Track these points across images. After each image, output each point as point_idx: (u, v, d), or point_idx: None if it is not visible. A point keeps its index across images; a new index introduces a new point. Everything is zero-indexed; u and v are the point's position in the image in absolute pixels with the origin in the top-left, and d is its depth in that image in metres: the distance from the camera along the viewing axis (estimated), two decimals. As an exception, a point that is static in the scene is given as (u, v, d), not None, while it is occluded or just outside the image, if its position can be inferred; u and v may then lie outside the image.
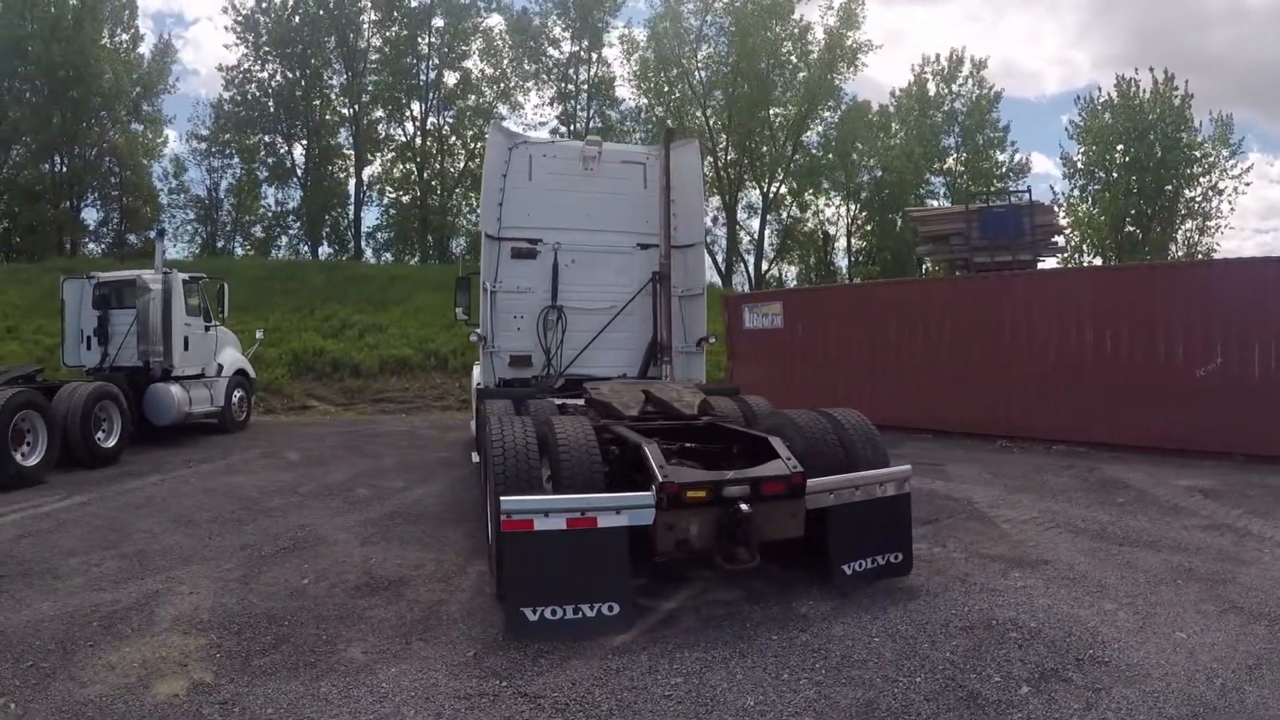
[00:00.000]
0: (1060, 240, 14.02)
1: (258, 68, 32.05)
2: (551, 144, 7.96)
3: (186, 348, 10.69)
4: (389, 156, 33.34)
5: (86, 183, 30.72)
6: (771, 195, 33.36)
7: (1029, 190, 24.56)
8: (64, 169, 29.70)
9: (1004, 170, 33.18)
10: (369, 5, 31.20)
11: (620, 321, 7.36)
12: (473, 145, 31.67)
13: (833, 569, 3.86)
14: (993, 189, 24.77)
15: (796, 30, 31.52)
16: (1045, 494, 6.38)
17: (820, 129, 33.02)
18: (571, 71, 32.77)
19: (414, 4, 31.42)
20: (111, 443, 8.52)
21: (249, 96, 32.29)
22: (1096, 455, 8.38)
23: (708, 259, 33.64)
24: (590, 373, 7.07)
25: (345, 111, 32.98)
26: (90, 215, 32.17)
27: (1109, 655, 3.15)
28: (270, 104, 32.42)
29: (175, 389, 10.23)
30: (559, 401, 5.72)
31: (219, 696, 2.90)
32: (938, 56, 34.47)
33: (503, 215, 7.30)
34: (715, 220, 32.62)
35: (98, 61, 27.67)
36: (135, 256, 28.85)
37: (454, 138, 33.43)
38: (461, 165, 33.22)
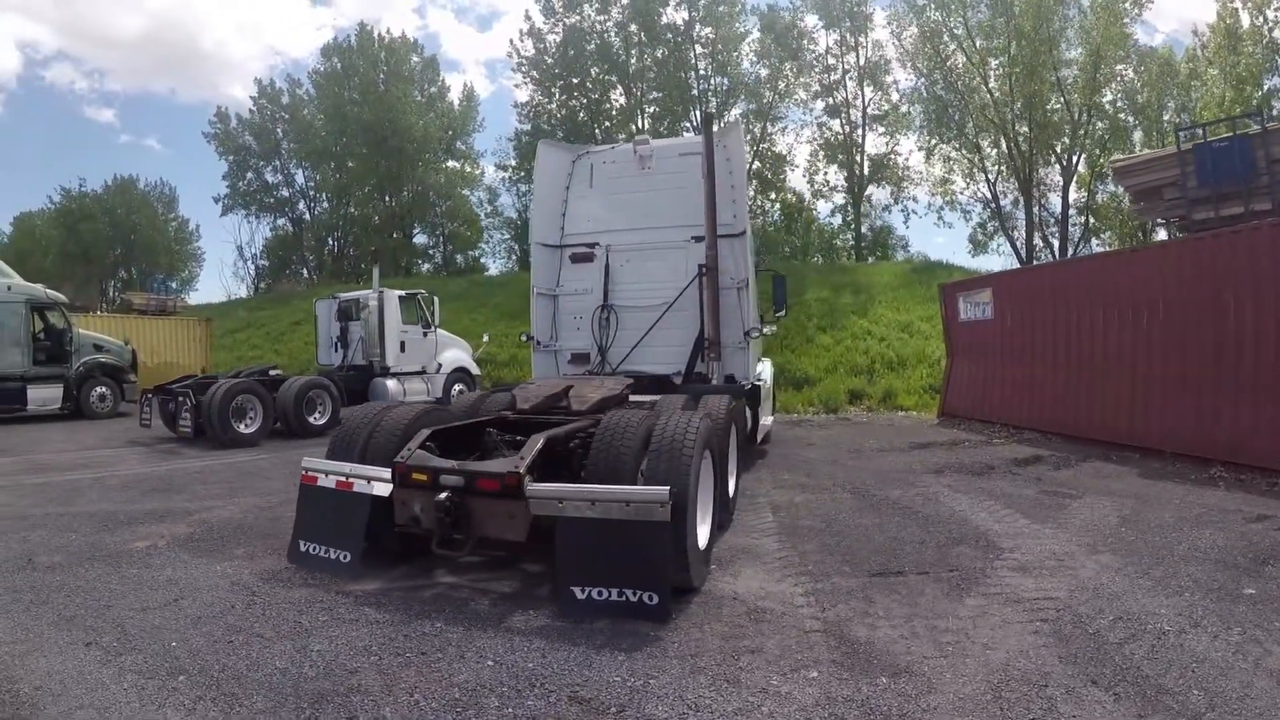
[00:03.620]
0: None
1: (546, 100, 38.69)
2: (611, 149, 8.79)
3: (403, 350, 14.26)
4: None
5: (415, 214, 41.35)
6: (1075, 168, 29.01)
7: (1261, 114, 16.72)
8: (394, 204, 40.42)
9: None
10: (636, 30, 35.32)
11: (673, 317, 7.91)
12: (759, 146, 33.75)
13: (559, 588, 3.80)
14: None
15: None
16: (1144, 561, 4.91)
17: (1117, 85, 28.86)
18: (834, 60, 32.82)
19: (677, 21, 34.70)
20: (322, 421, 12.09)
21: (540, 127, 39.13)
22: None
23: (1009, 245, 31.06)
24: (644, 369, 7.85)
25: (633, 128, 37.67)
26: (421, 240, 43.35)
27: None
28: (559, 132, 38.86)
29: (391, 383, 13.79)
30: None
31: (153, 549, 5.22)
32: (1246, -23, 26.94)
33: (565, 224, 8.51)
34: (1016, 202, 29.47)
35: (406, 116, 37.08)
36: (460, 273, 38.50)
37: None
38: (750, 165, 35.29)
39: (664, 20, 34.45)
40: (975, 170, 31.04)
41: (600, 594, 3.65)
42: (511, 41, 38.56)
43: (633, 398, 6.33)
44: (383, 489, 4.24)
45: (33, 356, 14.95)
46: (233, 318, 28.11)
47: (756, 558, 4.93)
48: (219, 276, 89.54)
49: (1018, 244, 31.15)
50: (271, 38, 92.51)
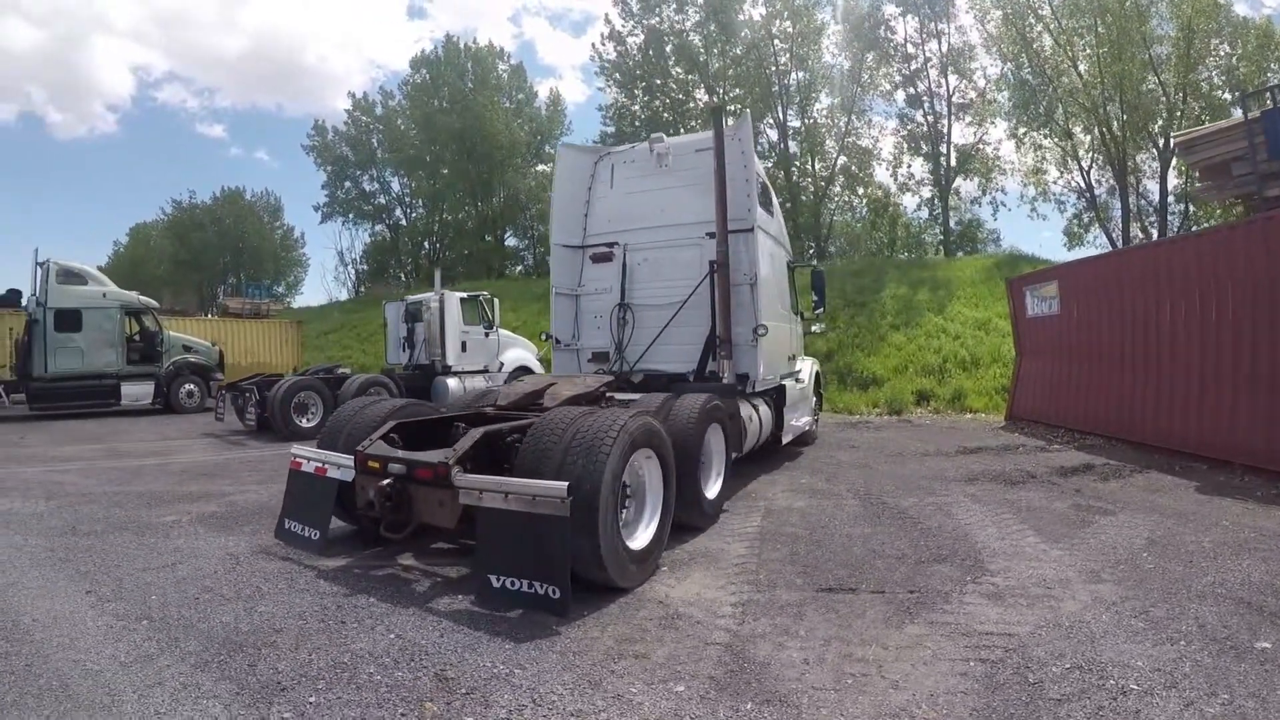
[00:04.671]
0: None
1: (629, 102, 39.05)
2: (630, 149, 8.75)
3: (464, 350, 14.86)
4: (767, 166, 36.69)
5: (506, 218, 42.84)
6: (1173, 152, 26.59)
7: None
8: (486, 209, 41.99)
9: None
10: (715, 29, 35.06)
11: (688, 315, 7.84)
12: (847, 140, 32.98)
13: (477, 575, 3.98)
14: None
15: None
16: (1150, 595, 4.20)
17: (1213, 61, 26.41)
18: (914, 49, 31.45)
19: (754, 16, 34.30)
20: (381, 417, 12.81)
21: (623, 129, 39.60)
22: None
23: (1105, 237, 28.72)
24: (661, 368, 7.89)
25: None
26: (513, 242, 44.88)
27: None
28: (643, 133, 39.13)
29: (452, 381, 14.45)
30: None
31: (177, 524, 6.01)
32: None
33: (588, 224, 8.61)
34: (1112, 191, 27.30)
35: (493, 122, 38.39)
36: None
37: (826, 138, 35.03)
38: (835, 161, 34.41)
39: (741, 17, 34.04)
40: (1068, 158, 28.99)
41: (513, 584, 3.77)
42: (594, 45, 38.98)
43: (618, 395, 6.36)
44: (347, 475, 4.67)
45: (126, 356, 16.73)
46: (328, 320, 30.18)
47: (714, 562, 4.86)
48: (321, 281, 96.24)
49: (1114, 235, 29.17)
50: (371, 51, 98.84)
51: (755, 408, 7.71)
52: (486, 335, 15.56)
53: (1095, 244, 30.45)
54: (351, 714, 2.88)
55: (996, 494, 7.19)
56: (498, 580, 3.81)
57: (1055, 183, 30.33)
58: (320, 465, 4.89)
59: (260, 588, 4.34)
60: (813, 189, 34.93)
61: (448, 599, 4.15)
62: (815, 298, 10.43)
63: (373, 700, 2.98)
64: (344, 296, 45.74)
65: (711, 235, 7.61)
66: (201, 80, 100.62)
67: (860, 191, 35.08)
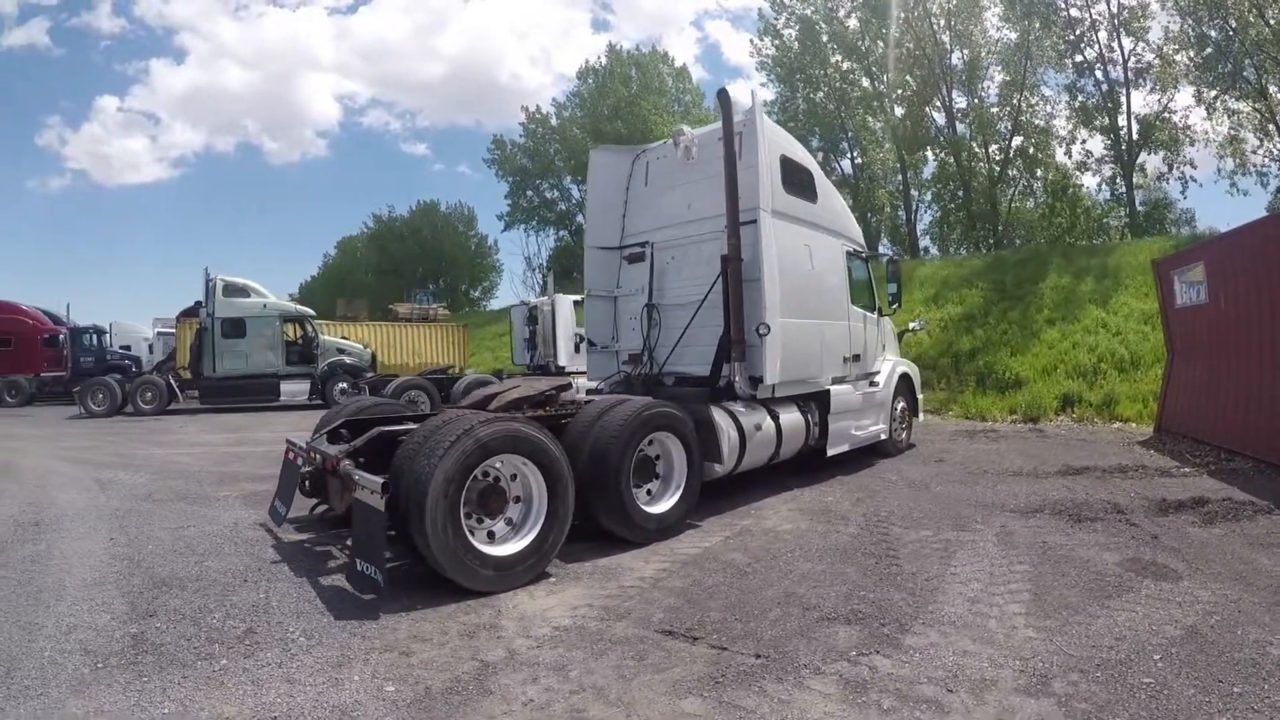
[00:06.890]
0: None
1: (791, 94, 37.40)
2: (663, 145, 8.26)
3: (577, 350, 15.17)
4: (937, 153, 33.89)
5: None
6: None
7: None
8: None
9: None
10: (867, 16, 32.49)
11: (710, 314, 7.22)
12: (1023, 118, 29.37)
13: (351, 557, 4.28)
14: None
15: None
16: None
17: None
18: (1078, 12, 26.64)
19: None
20: (485, 414, 13.57)
21: (782, 124, 37.91)
22: None
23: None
24: (686, 369, 7.52)
25: (885, 116, 34.87)
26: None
27: None
28: (815, 130, 37.17)
29: (572, 381, 14.89)
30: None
31: (226, 499, 6.96)
32: None
33: (625, 225, 8.31)
34: None
35: (658, 127, 38.29)
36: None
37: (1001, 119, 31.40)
38: (1011, 143, 30.75)
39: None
40: (1266, 122, 22.70)
41: (366, 568, 4.00)
42: (752, 42, 37.39)
43: (583, 396, 6.21)
44: (305, 463, 5.33)
45: (285, 358, 18.80)
46: (502, 322, 32.08)
47: (604, 581, 4.44)
48: (510, 285, 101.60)
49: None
50: (560, 65, 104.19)
51: (774, 415, 6.92)
52: (591, 338, 15.78)
53: (1305, 222, 23.87)
54: (168, 640, 3.51)
55: (1043, 534, 5.57)
56: (359, 564, 4.06)
57: (1254, 152, 24.39)
58: (294, 454, 5.64)
59: (224, 549, 5.13)
60: (986, 173, 31.05)
61: (337, 576, 4.52)
62: (892, 290, 9.24)
63: (191, 634, 3.58)
64: (533, 300, 48.08)
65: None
66: (403, 104, 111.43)
67: (1038, 174, 30.51)
